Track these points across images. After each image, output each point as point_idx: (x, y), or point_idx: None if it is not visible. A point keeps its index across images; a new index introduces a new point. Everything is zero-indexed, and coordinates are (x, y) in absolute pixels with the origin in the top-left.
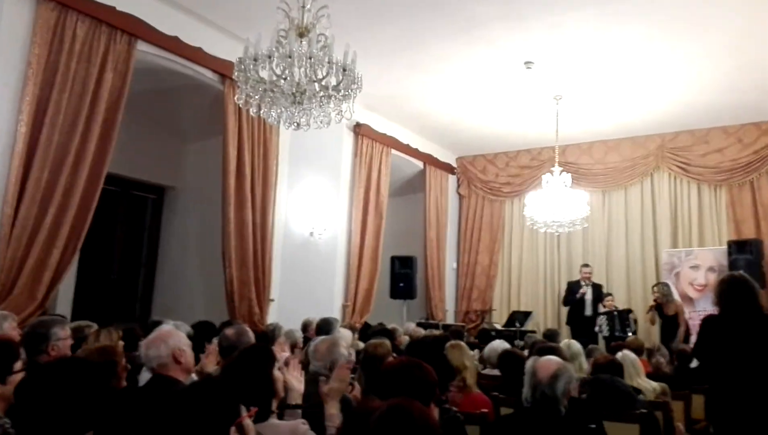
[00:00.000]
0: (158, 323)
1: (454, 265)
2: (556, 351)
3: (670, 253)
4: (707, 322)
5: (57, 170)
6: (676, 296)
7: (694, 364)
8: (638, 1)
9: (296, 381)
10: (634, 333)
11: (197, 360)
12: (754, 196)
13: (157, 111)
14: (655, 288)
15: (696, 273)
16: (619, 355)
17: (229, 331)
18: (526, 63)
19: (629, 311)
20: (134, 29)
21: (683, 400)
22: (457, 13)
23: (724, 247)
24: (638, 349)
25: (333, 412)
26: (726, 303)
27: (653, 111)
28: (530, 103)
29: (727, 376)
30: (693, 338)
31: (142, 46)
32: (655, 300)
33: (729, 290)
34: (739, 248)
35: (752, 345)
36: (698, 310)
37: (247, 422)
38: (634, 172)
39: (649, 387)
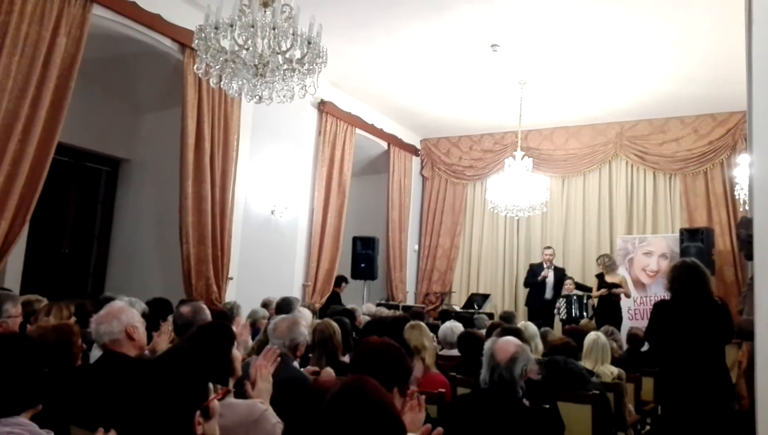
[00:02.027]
0: (110, 299)
1: (416, 246)
2: (516, 332)
3: (624, 239)
4: (659, 306)
5: (5, 137)
6: (624, 273)
7: (645, 347)
8: None
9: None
10: (591, 317)
11: (151, 338)
12: (707, 186)
13: (112, 80)
14: (599, 260)
15: (649, 259)
16: (592, 336)
17: (185, 309)
18: (492, 46)
19: (588, 296)
20: None
21: (634, 382)
22: None
23: (677, 234)
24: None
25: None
26: (678, 288)
27: (614, 99)
28: (495, 86)
29: (677, 359)
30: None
31: (97, 11)
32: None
33: (681, 275)
34: (690, 236)
35: (702, 329)
36: (650, 295)
37: (214, 404)
38: (593, 159)
39: (608, 372)
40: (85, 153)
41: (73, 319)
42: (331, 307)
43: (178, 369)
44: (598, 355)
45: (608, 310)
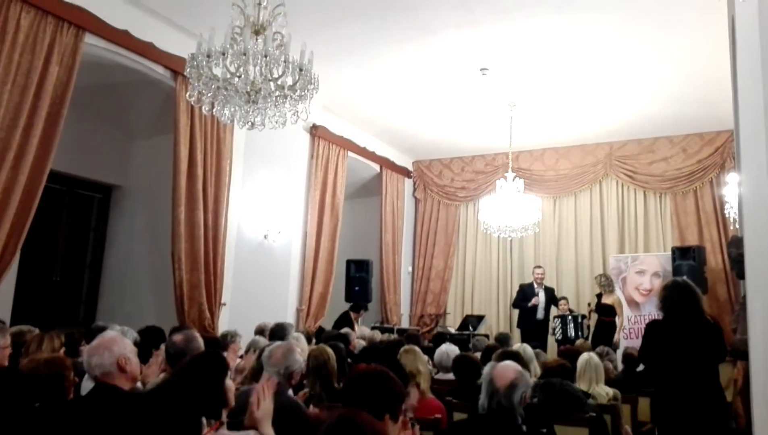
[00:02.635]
0: (102, 329)
1: (410, 268)
2: (516, 356)
3: (617, 259)
4: (651, 326)
5: None
6: (618, 293)
7: (641, 367)
8: (589, 14)
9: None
10: (586, 338)
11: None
12: (697, 204)
13: (105, 107)
14: (596, 279)
15: (642, 278)
16: (585, 357)
17: (177, 338)
18: (481, 69)
19: (583, 316)
20: (82, 21)
21: (630, 403)
22: (413, 19)
23: (669, 253)
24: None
25: (269, 432)
26: (669, 308)
27: (602, 120)
28: (485, 109)
29: (671, 379)
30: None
31: (90, 39)
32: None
33: (672, 295)
34: (682, 254)
35: (694, 348)
36: (644, 314)
37: None
38: (583, 179)
39: (603, 393)
40: (77, 180)
41: (63, 350)
42: (325, 332)
43: (171, 404)
44: (592, 375)
45: (602, 331)
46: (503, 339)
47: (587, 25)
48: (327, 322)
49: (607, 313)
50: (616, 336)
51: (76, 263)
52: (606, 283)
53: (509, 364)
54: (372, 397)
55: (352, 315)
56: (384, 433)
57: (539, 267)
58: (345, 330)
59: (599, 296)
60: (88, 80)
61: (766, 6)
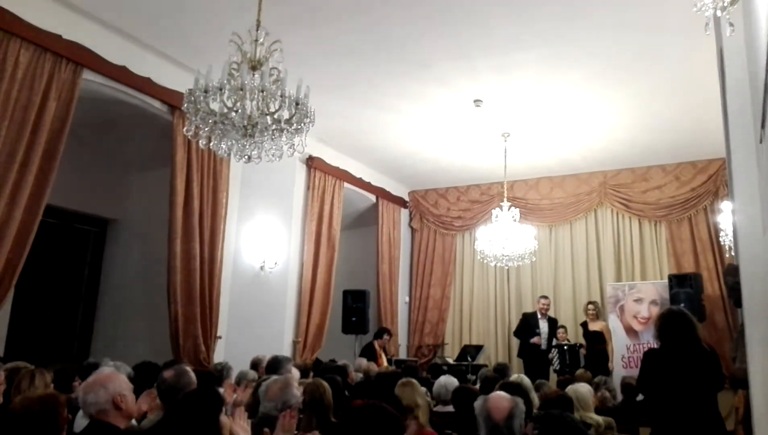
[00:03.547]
0: (95, 365)
1: (407, 298)
2: (517, 386)
3: (614, 287)
4: (648, 355)
5: None
6: (615, 320)
7: (640, 397)
8: (578, 48)
9: (242, 431)
10: (583, 367)
11: None
12: (693, 232)
13: (102, 141)
14: (590, 305)
15: (639, 306)
16: (570, 388)
17: (168, 374)
18: (475, 101)
19: (580, 346)
20: (80, 58)
21: (631, 433)
22: (407, 53)
23: (666, 280)
24: (587, 383)
25: None
26: (666, 336)
27: (595, 149)
28: (480, 139)
29: (669, 409)
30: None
31: (88, 75)
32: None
33: (668, 324)
34: (679, 282)
35: (692, 377)
36: (642, 342)
37: None
38: (578, 208)
39: (594, 422)
40: (74, 214)
41: (52, 386)
42: (323, 364)
43: None
44: (577, 404)
45: (596, 359)
46: (502, 369)
47: (578, 55)
48: (324, 354)
49: (598, 341)
50: (610, 363)
51: (71, 297)
52: (593, 311)
53: (501, 395)
54: (369, 432)
55: (377, 344)
56: None
57: (545, 297)
58: (342, 362)
59: (584, 325)
60: (85, 115)
61: (752, 38)
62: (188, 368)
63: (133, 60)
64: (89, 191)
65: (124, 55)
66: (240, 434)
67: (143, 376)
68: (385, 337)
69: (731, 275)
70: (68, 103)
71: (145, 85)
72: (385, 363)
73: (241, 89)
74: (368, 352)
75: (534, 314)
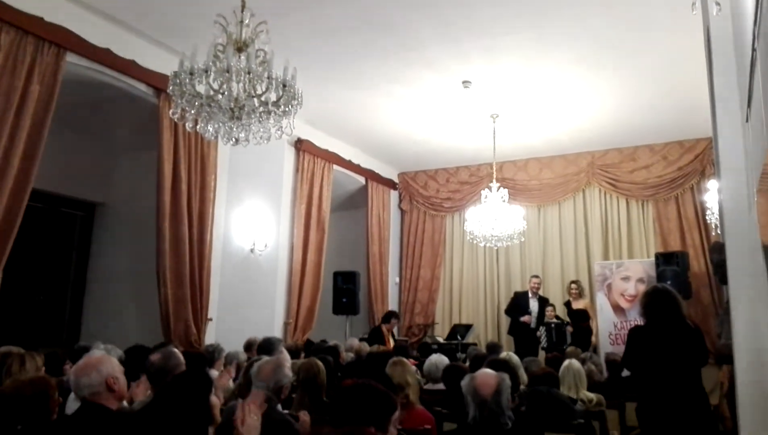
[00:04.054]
0: (86, 349)
1: (397, 279)
2: (506, 363)
3: (602, 265)
4: (634, 332)
5: None
6: (603, 298)
7: (626, 372)
8: (566, 29)
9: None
10: (570, 344)
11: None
12: (679, 211)
13: (87, 124)
14: (573, 285)
15: (626, 284)
16: (565, 363)
17: (154, 357)
18: (463, 82)
19: (567, 324)
20: (63, 40)
21: (618, 408)
22: (395, 35)
23: (652, 259)
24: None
25: None
26: (651, 314)
27: (583, 129)
28: (469, 121)
29: (654, 384)
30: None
31: (71, 58)
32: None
33: (653, 301)
34: (666, 260)
35: (676, 353)
36: (629, 319)
37: None
38: (566, 188)
39: (586, 398)
40: (60, 198)
41: (43, 369)
42: (314, 344)
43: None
44: (571, 381)
45: (581, 336)
46: (493, 347)
47: (565, 36)
48: (315, 335)
49: (582, 319)
50: (593, 339)
51: (59, 282)
52: (576, 290)
53: (488, 372)
54: (360, 411)
55: (384, 328)
56: None
57: (536, 277)
58: (333, 342)
59: (568, 304)
60: (70, 98)
61: (739, 17)
62: (176, 350)
63: (117, 42)
64: (75, 175)
65: (108, 37)
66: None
67: (135, 359)
68: (393, 320)
69: (717, 253)
70: (52, 86)
71: (129, 68)
72: (392, 348)
73: (227, 71)
74: (376, 336)
75: (525, 293)
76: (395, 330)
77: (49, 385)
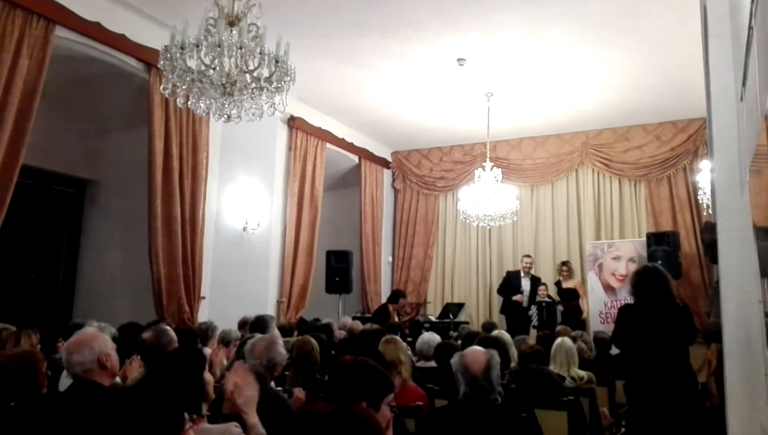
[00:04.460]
0: (80, 326)
1: (390, 258)
2: (496, 341)
3: (593, 245)
4: (623, 310)
5: None
6: (594, 278)
7: (614, 350)
8: (562, 8)
9: (232, 385)
10: (560, 323)
11: (122, 363)
12: (671, 191)
13: (77, 100)
14: (564, 266)
15: (617, 264)
16: (557, 341)
17: (146, 335)
18: (458, 60)
19: (557, 303)
20: (52, 14)
21: (607, 386)
22: (390, 11)
23: (644, 238)
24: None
25: (254, 421)
26: (640, 292)
27: (578, 109)
28: (463, 99)
29: (643, 362)
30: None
31: (60, 32)
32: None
33: (643, 280)
34: (657, 240)
35: (665, 331)
36: (620, 299)
37: (190, 433)
38: (560, 168)
39: (577, 376)
40: (50, 175)
41: (39, 347)
42: (307, 323)
43: (150, 400)
44: (563, 359)
45: (571, 315)
46: (489, 327)
47: (562, 15)
48: (308, 313)
49: (572, 298)
50: (584, 315)
51: (51, 259)
52: (566, 270)
53: (477, 349)
54: (356, 387)
55: (391, 307)
56: (379, 425)
57: (528, 256)
58: (327, 320)
59: (558, 284)
60: (59, 73)
61: None
62: (167, 327)
63: (107, 16)
64: (66, 152)
65: (98, 10)
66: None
67: (128, 337)
68: (401, 301)
69: (708, 232)
70: (41, 61)
71: (119, 42)
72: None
73: (219, 46)
74: (382, 314)
75: (517, 273)
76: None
77: (37, 359)
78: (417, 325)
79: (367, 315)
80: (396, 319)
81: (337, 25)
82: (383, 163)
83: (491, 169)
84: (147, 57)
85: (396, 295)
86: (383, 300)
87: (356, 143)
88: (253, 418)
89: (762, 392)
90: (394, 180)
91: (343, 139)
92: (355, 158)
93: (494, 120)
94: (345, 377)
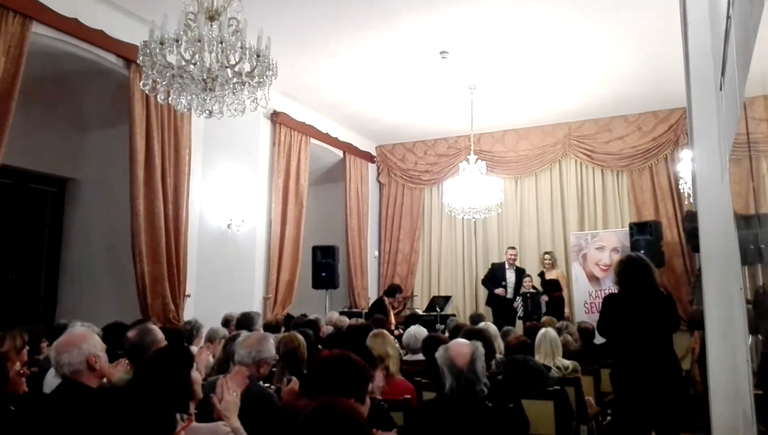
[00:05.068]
0: (64, 326)
1: (376, 253)
2: (481, 333)
3: (577, 236)
4: (608, 300)
5: None
6: (578, 269)
7: (599, 340)
8: None
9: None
10: (545, 314)
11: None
12: (653, 181)
13: (56, 97)
14: (546, 255)
15: (601, 254)
16: (541, 332)
17: (131, 334)
18: (441, 53)
19: (541, 293)
20: (29, 10)
21: (592, 374)
22: (371, 4)
23: (627, 228)
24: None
25: (237, 425)
26: (624, 281)
27: (560, 101)
28: (446, 92)
29: (627, 350)
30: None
31: (37, 28)
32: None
33: (626, 269)
34: (639, 230)
35: (649, 319)
36: (604, 288)
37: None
38: (543, 160)
39: (562, 366)
40: (30, 174)
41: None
42: (294, 319)
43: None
44: (547, 349)
45: (554, 306)
46: (478, 319)
47: (542, 7)
48: (295, 310)
49: (555, 289)
50: (566, 309)
51: (33, 260)
52: (549, 261)
53: (461, 342)
54: (336, 382)
55: (387, 300)
56: (363, 417)
57: (513, 248)
58: (314, 316)
59: (542, 274)
60: (37, 71)
61: None
62: (152, 326)
63: (84, 12)
64: (45, 150)
65: (76, 6)
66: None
67: (112, 337)
68: (397, 295)
69: (690, 221)
70: (17, 58)
71: (98, 38)
72: (393, 320)
73: (199, 41)
74: (378, 308)
75: (502, 265)
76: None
77: (8, 358)
78: (413, 318)
79: (355, 310)
80: (392, 314)
81: (318, 18)
82: (368, 157)
83: (475, 162)
84: (126, 53)
85: (392, 290)
86: (370, 295)
87: (340, 138)
88: (235, 423)
89: (744, 378)
90: (378, 174)
91: (327, 134)
92: (340, 153)
93: (478, 113)
94: (324, 372)
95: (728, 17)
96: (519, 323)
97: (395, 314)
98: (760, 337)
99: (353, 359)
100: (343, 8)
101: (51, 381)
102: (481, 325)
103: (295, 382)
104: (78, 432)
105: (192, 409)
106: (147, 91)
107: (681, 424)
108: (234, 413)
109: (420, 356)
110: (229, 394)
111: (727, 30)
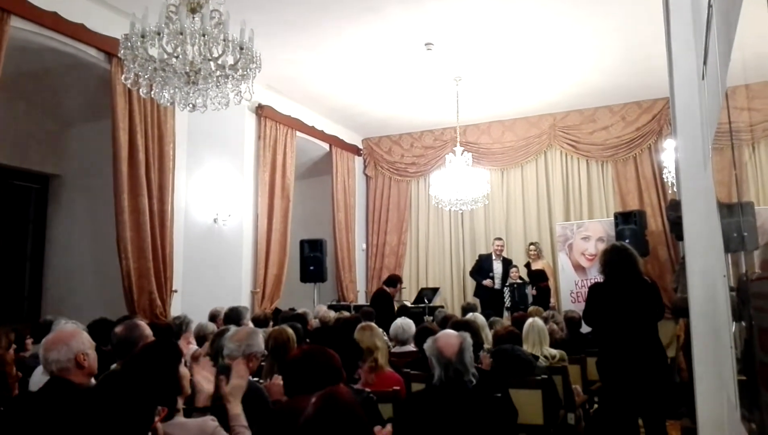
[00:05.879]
0: (50, 323)
1: (364, 246)
2: (469, 324)
3: (563, 226)
4: (593, 289)
5: None
6: (564, 258)
7: (585, 329)
8: None
9: (205, 381)
10: (531, 304)
11: None
12: (637, 170)
13: (37, 93)
14: (532, 246)
15: (587, 243)
16: (528, 321)
17: (118, 329)
18: (426, 44)
19: (527, 284)
20: (6, 3)
21: (579, 363)
22: None
23: (612, 218)
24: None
25: (237, 411)
26: (609, 271)
27: (545, 92)
28: (432, 84)
29: (613, 338)
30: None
31: (16, 23)
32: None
33: (611, 259)
34: (624, 219)
35: (634, 307)
36: (590, 278)
37: (158, 426)
38: (529, 151)
39: (549, 355)
40: (12, 171)
41: (14, 347)
42: (282, 313)
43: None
44: (535, 338)
45: (541, 296)
46: (470, 309)
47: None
48: (283, 303)
49: (541, 279)
50: (552, 299)
51: (16, 257)
52: (534, 251)
53: (449, 333)
54: (309, 377)
55: (390, 290)
56: (361, 410)
57: (499, 239)
58: (302, 310)
59: (528, 265)
60: (17, 66)
61: None
62: (139, 322)
63: (63, 5)
64: (27, 146)
65: (55, 0)
66: (202, 383)
67: (98, 334)
68: (399, 285)
69: (673, 210)
70: None
71: (78, 32)
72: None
73: (181, 33)
74: (382, 299)
75: (489, 256)
76: (358, 294)
77: (5, 362)
78: (404, 310)
79: (343, 303)
80: (394, 304)
81: (302, 9)
82: (354, 150)
83: (462, 154)
84: (107, 46)
85: (394, 280)
86: (358, 287)
87: (326, 131)
88: (237, 408)
89: (728, 365)
90: (365, 167)
91: (313, 127)
92: (326, 146)
93: (463, 104)
94: (298, 369)
95: (710, 6)
96: (506, 314)
97: None
98: (743, 323)
99: (327, 353)
100: (328, 1)
101: (38, 379)
102: (469, 316)
103: (278, 377)
104: (65, 429)
105: (180, 404)
106: (129, 85)
107: (667, 410)
108: (238, 398)
109: (408, 348)
110: (237, 377)
111: (709, 19)
